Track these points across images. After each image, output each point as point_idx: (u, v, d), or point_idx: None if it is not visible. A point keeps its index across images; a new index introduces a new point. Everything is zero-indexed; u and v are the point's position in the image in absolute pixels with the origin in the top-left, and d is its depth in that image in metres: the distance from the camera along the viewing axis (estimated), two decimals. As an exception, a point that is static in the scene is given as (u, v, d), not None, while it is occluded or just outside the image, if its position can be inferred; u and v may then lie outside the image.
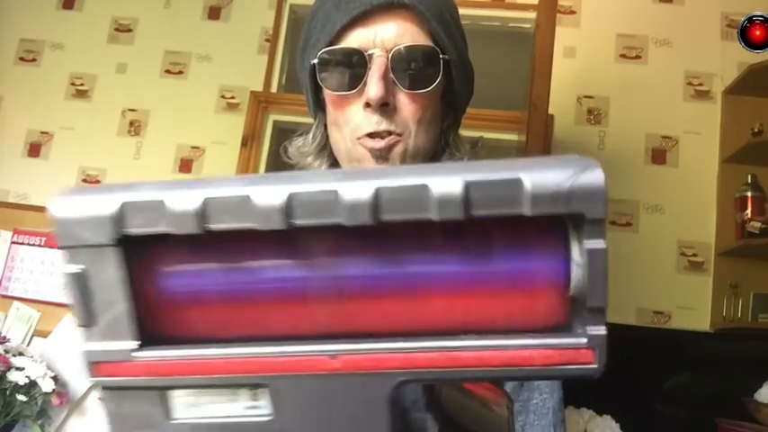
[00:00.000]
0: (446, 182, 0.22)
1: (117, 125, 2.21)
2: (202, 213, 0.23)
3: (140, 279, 0.25)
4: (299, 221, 0.23)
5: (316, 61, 0.61)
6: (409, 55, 0.59)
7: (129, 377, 0.25)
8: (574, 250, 0.24)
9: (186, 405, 0.26)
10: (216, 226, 0.23)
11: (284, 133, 2.12)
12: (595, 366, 0.24)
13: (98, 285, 0.24)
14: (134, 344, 0.24)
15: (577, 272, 0.24)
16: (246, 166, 2.06)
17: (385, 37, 0.59)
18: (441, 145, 0.66)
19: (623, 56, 2.08)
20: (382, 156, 0.60)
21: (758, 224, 1.78)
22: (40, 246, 1.99)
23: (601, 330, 0.24)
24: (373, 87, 0.58)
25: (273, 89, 2.17)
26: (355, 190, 0.23)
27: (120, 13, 2.29)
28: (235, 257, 0.25)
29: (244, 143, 2.10)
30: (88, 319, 0.24)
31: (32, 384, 1.60)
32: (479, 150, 0.69)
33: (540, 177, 0.22)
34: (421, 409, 0.28)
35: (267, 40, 2.20)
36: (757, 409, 1.61)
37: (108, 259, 0.24)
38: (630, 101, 2.05)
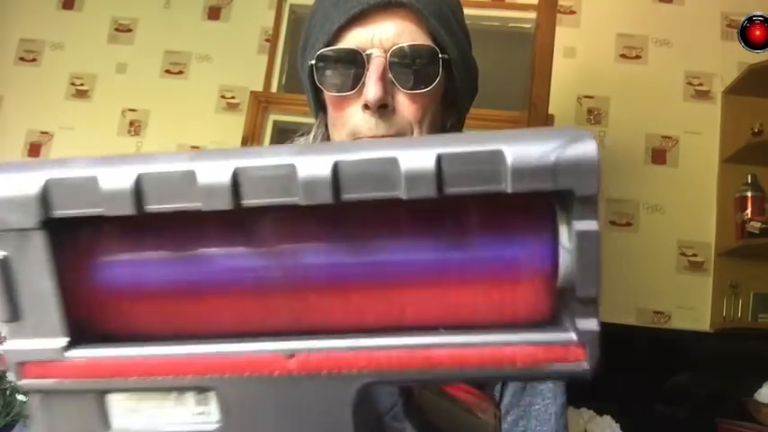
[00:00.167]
0: (416, 155, 0.19)
1: (117, 125, 2.21)
2: (139, 192, 0.20)
3: (71, 268, 0.22)
4: (249, 201, 0.20)
5: (313, 62, 0.61)
6: (408, 54, 0.58)
7: (61, 379, 0.22)
8: (562, 233, 0.21)
9: (126, 411, 0.22)
10: (155, 207, 0.20)
11: (284, 133, 2.12)
12: (586, 365, 0.21)
13: (23, 275, 0.21)
14: (65, 341, 0.22)
15: (566, 258, 0.21)
16: (246, 166, 2.06)
17: (383, 36, 0.58)
18: None
19: (623, 56, 2.08)
20: None
21: (758, 224, 1.78)
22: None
23: (592, 324, 0.21)
24: (371, 89, 0.57)
25: (273, 89, 2.17)
26: (313, 165, 0.20)
27: (120, 13, 2.29)
28: (178, 243, 0.22)
29: (244, 143, 2.10)
30: (13, 313, 0.21)
31: (32, 384, 1.60)
32: None
33: (523, 149, 0.19)
34: (398, 417, 0.25)
35: (267, 40, 2.20)
36: (757, 409, 1.61)
37: (33, 245, 0.21)
38: (630, 101, 2.05)
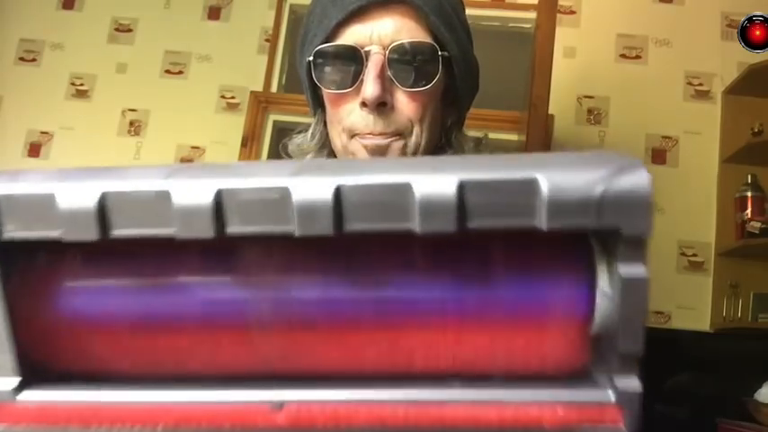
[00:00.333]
0: (434, 181, 0.16)
1: (117, 125, 2.21)
2: (104, 214, 0.17)
3: (25, 297, 0.19)
4: (234, 229, 0.17)
5: (311, 58, 0.60)
6: (407, 51, 0.57)
7: (10, 424, 0.19)
8: (601, 275, 0.18)
9: None
10: (122, 232, 0.17)
11: (284, 133, 2.12)
12: (624, 430, 0.18)
13: None
14: (16, 381, 0.19)
15: (605, 304, 0.18)
16: (246, 166, 2.06)
17: (382, 33, 0.57)
18: (442, 143, 0.64)
19: (623, 56, 2.08)
20: (379, 152, 0.58)
21: (758, 224, 1.78)
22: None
23: (633, 384, 0.18)
24: (370, 86, 0.56)
25: (273, 89, 2.17)
26: (310, 188, 0.17)
27: (120, 13, 2.29)
28: (149, 273, 0.19)
29: (244, 143, 2.10)
30: None
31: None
32: (483, 149, 0.67)
33: (563, 179, 0.16)
34: None
35: (267, 40, 2.20)
36: (757, 409, 1.61)
37: None
38: (630, 101, 2.05)
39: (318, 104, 0.66)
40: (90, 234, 0.17)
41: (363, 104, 0.57)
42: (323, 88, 0.61)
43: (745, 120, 1.90)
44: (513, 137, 1.91)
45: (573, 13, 2.12)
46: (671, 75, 2.04)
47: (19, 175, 0.18)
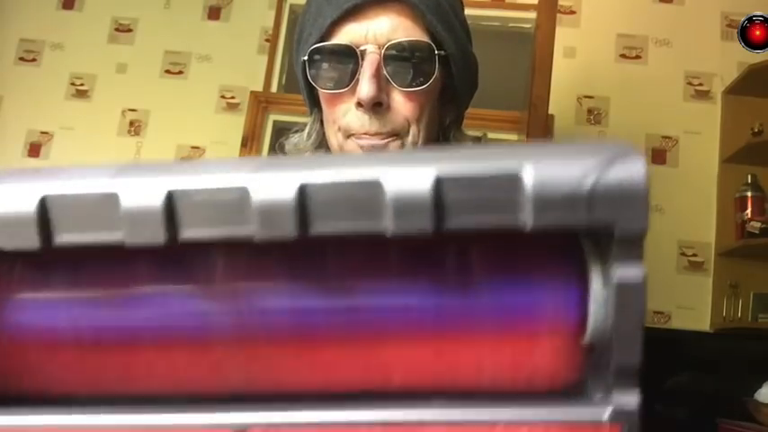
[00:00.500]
0: (407, 176, 0.15)
1: (117, 125, 2.21)
2: (45, 219, 0.15)
3: None
4: (188, 233, 0.15)
5: (306, 58, 0.59)
6: (403, 51, 0.56)
7: None
8: (594, 279, 0.17)
9: None
10: (66, 238, 0.16)
11: (284, 133, 2.11)
12: None
13: None
14: None
15: (598, 311, 0.16)
16: (246, 166, 2.06)
17: (378, 32, 0.56)
18: (440, 143, 0.63)
19: (623, 56, 2.08)
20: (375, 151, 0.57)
21: (758, 224, 1.78)
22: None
23: (631, 399, 0.16)
24: (365, 86, 0.55)
25: (273, 89, 2.17)
26: (271, 187, 0.15)
27: (120, 13, 2.29)
28: (96, 283, 0.18)
29: (244, 143, 2.10)
30: None
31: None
32: None
33: (548, 171, 0.15)
34: None
35: (267, 40, 2.20)
36: (757, 409, 1.61)
37: None
38: (630, 101, 2.05)
39: (315, 104, 0.65)
40: (30, 242, 0.16)
41: (359, 104, 0.57)
42: (318, 88, 0.60)
43: (745, 120, 1.90)
44: (513, 137, 1.91)
45: (573, 13, 2.12)
46: (671, 75, 2.04)
47: None
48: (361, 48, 0.57)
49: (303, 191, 0.15)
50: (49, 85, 2.25)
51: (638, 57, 2.07)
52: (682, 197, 1.96)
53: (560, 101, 1.97)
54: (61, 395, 0.18)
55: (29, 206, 0.15)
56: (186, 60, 2.23)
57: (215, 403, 0.17)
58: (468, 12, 0.66)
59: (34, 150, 2.22)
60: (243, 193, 0.15)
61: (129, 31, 2.28)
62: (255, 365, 0.17)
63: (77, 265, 0.18)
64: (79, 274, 0.18)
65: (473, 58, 0.65)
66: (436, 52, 0.57)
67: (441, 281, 0.17)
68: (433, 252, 0.17)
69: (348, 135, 0.59)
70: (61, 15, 2.31)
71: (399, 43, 0.56)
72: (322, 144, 0.66)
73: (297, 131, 0.69)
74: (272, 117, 2.15)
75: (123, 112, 2.21)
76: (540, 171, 0.15)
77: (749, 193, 1.84)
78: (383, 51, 0.56)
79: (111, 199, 0.15)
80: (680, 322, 1.90)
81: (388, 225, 0.15)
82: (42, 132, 2.22)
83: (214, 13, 2.27)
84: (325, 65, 0.58)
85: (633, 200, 0.15)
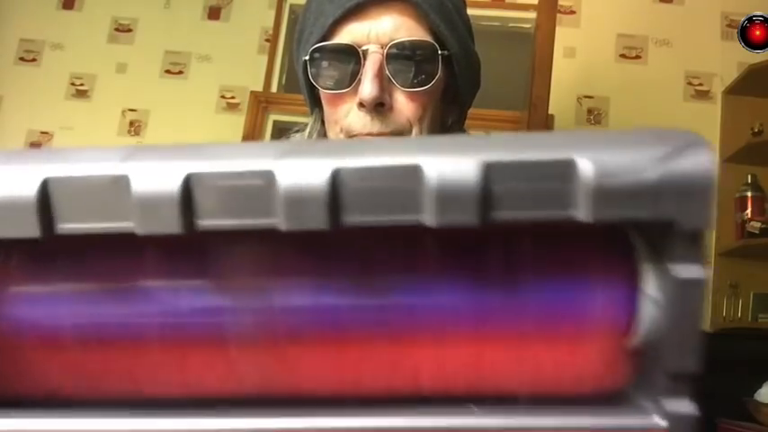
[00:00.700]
0: (452, 163, 0.13)
1: (117, 125, 2.21)
2: (46, 205, 0.14)
3: None
4: (206, 222, 0.14)
5: (307, 57, 0.58)
6: (406, 50, 0.56)
7: None
8: (646, 278, 0.15)
9: None
10: (70, 226, 0.14)
11: (284, 133, 2.12)
12: None
13: None
14: None
15: (650, 311, 0.15)
16: (246, 166, 2.06)
17: (380, 31, 0.56)
18: None
19: (623, 56, 2.08)
20: None
21: (758, 224, 1.78)
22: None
23: (686, 407, 0.15)
24: (367, 86, 0.54)
25: (273, 89, 2.17)
26: (301, 172, 0.13)
27: (120, 13, 2.29)
28: (102, 276, 0.16)
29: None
30: None
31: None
32: None
33: (610, 160, 0.13)
34: None
35: (267, 40, 2.20)
36: (757, 409, 1.61)
37: None
38: (630, 101, 2.05)
39: (316, 103, 0.64)
40: (31, 230, 0.14)
41: (361, 105, 0.56)
42: (319, 88, 0.60)
43: (745, 120, 1.90)
44: (513, 137, 1.91)
45: (573, 13, 2.12)
46: (671, 75, 2.04)
47: None
48: (364, 47, 0.56)
49: (336, 177, 0.13)
50: (49, 85, 2.25)
51: (638, 57, 2.07)
52: (682, 197, 1.96)
53: (560, 101, 1.97)
54: (61, 397, 0.16)
55: (29, 190, 0.14)
56: (186, 60, 2.23)
57: (229, 407, 0.15)
58: (468, 12, 0.66)
59: (34, 150, 2.21)
60: (268, 179, 0.13)
61: (129, 30, 2.28)
62: (274, 367, 0.15)
63: (80, 255, 0.16)
64: (82, 266, 0.16)
65: (476, 57, 0.65)
66: (439, 52, 0.57)
67: (481, 277, 0.15)
68: (472, 246, 0.15)
69: (350, 135, 0.58)
70: (61, 15, 2.31)
71: (402, 43, 0.56)
72: None
73: (297, 131, 0.68)
74: (272, 117, 2.15)
75: (123, 112, 2.21)
76: (600, 160, 0.13)
77: (749, 193, 1.84)
78: (385, 51, 0.56)
79: (121, 182, 0.13)
80: (680, 322, 1.90)
81: (428, 216, 0.13)
82: (42, 132, 2.22)
83: (214, 13, 2.27)
84: (326, 64, 0.58)
85: (700, 194, 0.14)
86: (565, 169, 0.13)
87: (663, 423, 0.14)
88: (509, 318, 0.15)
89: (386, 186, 0.13)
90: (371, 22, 0.56)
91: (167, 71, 2.23)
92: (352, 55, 0.56)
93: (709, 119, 2.00)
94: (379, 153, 0.13)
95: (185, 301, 0.16)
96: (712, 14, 2.06)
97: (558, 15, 1.87)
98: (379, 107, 0.56)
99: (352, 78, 0.57)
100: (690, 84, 2.03)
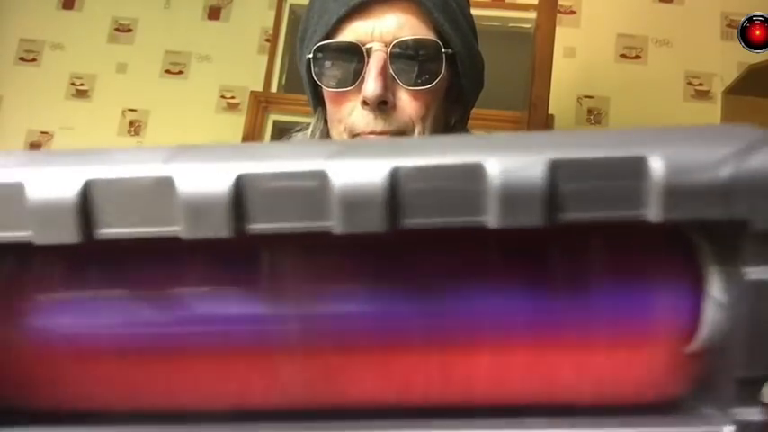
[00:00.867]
0: (517, 161, 0.12)
1: (117, 125, 2.21)
2: (87, 208, 0.13)
3: None
4: (257, 225, 0.13)
5: (311, 55, 0.58)
6: (409, 49, 0.56)
7: None
8: (712, 280, 0.14)
9: None
10: (109, 231, 0.13)
11: (284, 133, 2.12)
12: None
13: None
14: None
15: (715, 315, 0.14)
16: (246, 166, 2.06)
17: (384, 30, 0.56)
18: None
19: (623, 56, 2.08)
20: None
21: (758, 224, 1.78)
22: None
23: (755, 415, 0.14)
24: (371, 85, 0.55)
25: (273, 89, 2.17)
26: (356, 172, 0.13)
27: (120, 13, 2.29)
28: (144, 283, 0.15)
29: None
30: None
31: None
32: None
33: (681, 157, 0.13)
34: None
35: (267, 40, 2.20)
36: (757, 409, 1.61)
37: None
38: (630, 101, 2.05)
39: (319, 102, 0.65)
40: (69, 235, 0.13)
41: (364, 103, 0.56)
42: (323, 86, 0.60)
43: (745, 120, 1.90)
44: (514, 137, 1.91)
45: (573, 13, 2.12)
46: (671, 75, 2.04)
47: None
48: (367, 46, 0.56)
49: (394, 176, 0.12)
50: (49, 85, 2.25)
51: (638, 57, 2.07)
52: (682, 197, 1.96)
53: (560, 101, 1.97)
54: (96, 410, 0.15)
55: (69, 192, 0.13)
56: (186, 60, 2.23)
57: (278, 421, 0.14)
58: (470, 11, 0.66)
59: (34, 150, 2.21)
60: (322, 179, 0.13)
61: (129, 30, 2.28)
62: (321, 377, 0.15)
63: (118, 261, 0.15)
64: (120, 272, 0.15)
65: (479, 56, 0.65)
66: (443, 51, 0.57)
67: (540, 282, 0.14)
68: (531, 249, 0.15)
69: (353, 134, 0.58)
70: (61, 15, 2.31)
71: (405, 41, 0.56)
72: None
73: (299, 130, 0.68)
74: (273, 117, 2.15)
75: (123, 111, 2.21)
76: (672, 157, 0.12)
77: (749, 193, 1.84)
78: (389, 49, 0.56)
79: (166, 184, 0.13)
80: (680, 322, 1.90)
81: (491, 217, 0.13)
82: (42, 132, 2.22)
83: (214, 13, 2.27)
84: (329, 63, 0.58)
85: None
86: (636, 167, 0.13)
87: (731, 431, 0.14)
88: (570, 323, 0.14)
89: (447, 186, 0.13)
90: (375, 20, 0.56)
91: (167, 71, 2.23)
92: (356, 53, 0.56)
93: (709, 119, 2.00)
94: (440, 151, 0.13)
95: (230, 308, 0.15)
96: (712, 14, 2.06)
97: (558, 15, 1.87)
98: (383, 106, 0.56)
99: (356, 77, 0.57)
100: (690, 84, 2.03)
